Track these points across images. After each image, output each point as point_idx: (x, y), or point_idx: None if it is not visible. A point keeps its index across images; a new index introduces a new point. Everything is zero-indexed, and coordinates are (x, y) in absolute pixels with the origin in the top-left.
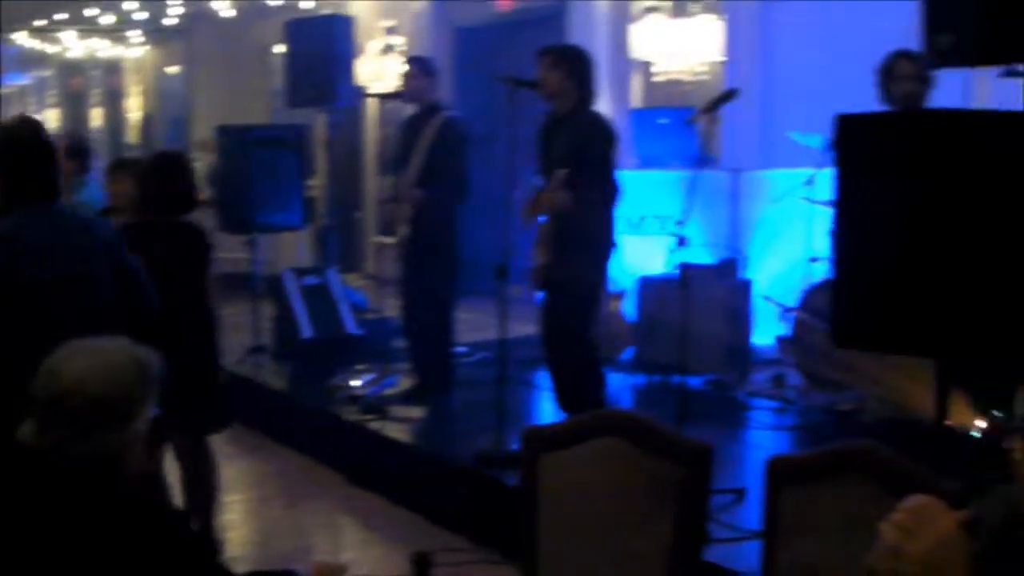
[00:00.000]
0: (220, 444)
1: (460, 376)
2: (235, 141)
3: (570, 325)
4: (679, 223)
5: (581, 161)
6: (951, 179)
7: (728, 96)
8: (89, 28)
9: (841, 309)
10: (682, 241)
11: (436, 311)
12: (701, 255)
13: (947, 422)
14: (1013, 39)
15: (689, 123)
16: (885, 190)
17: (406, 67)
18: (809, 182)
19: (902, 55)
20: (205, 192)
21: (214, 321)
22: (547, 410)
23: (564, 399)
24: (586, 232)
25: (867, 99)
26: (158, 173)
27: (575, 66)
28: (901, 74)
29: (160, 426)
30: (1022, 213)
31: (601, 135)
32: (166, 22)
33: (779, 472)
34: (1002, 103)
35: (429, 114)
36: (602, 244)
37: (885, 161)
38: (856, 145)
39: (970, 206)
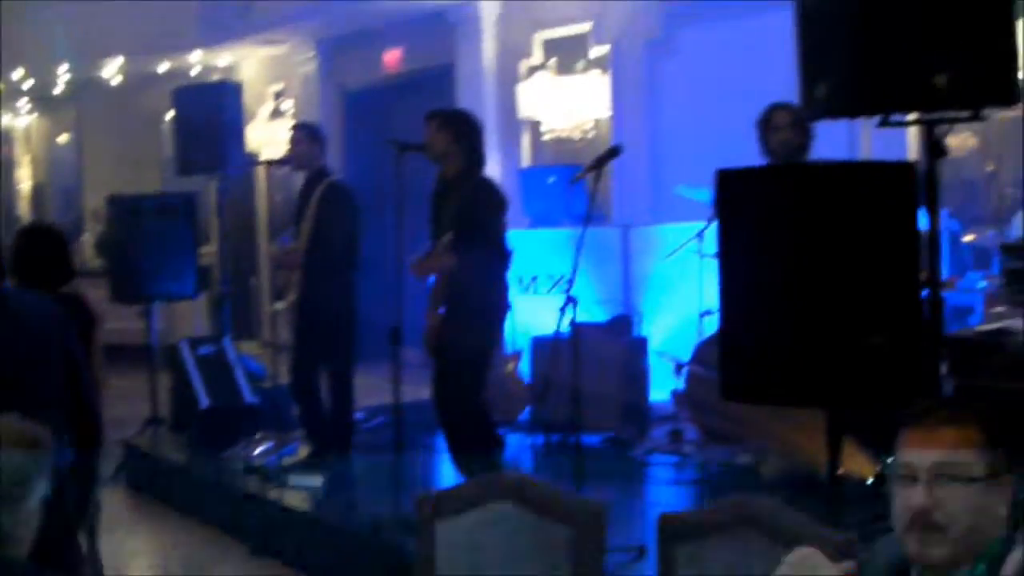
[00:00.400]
0: (121, 517)
1: (359, 441)
2: (125, 210)
3: (461, 388)
4: (569, 281)
5: (469, 226)
6: (827, 231)
7: (612, 153)
8: None
9: (729, 363)
10: (571, 300)
11: (331, 375)
12: (595, 313)
13: (841, 471)
14: (883, 89)
15: (573, 182)
16: (766, 243)
17: (292, 134)
18: (700, 236)
19: (778, 107)
20: (95, 262)
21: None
22: (447, 474)
23: (460, 462)
24: (475, 296)
25: (756, 151)
26: (28, 246)
27: (461, 129)
28: (777, 125)
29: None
30: (896, 262)
31: (489, 200)
32: (55, 91)
33: (670, 529)
34: (885, 151)
35: (316, 180)
36: (492, 307)
37: (764, 214)
38: (736, 199)
39: (847, 256)
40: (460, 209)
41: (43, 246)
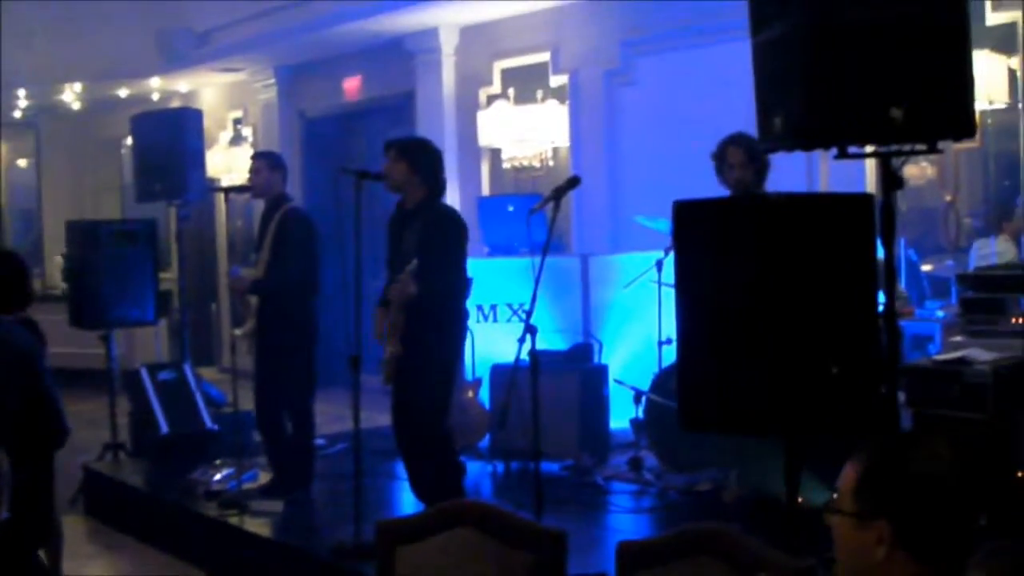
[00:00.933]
0: (80, 543)
1: (319, 468)
2: (85, 236)
3: (424, 414)
4: (528, 310)
5: (432, 254)
6: (784, 262)
7: (572, 184)
8: None
9: (687, 392)
10: (531, 328)
11: (291, 403)
12: (554, 341)
13: (799, 499)
14: (839, 123)
15: (533, 212)
16: (724, 274)
17: (252, 163)
18: (658, 265)
19: (731, 143)
20: (60, 286)
21: None
22: (407, 500)
23: (420, 489)
24: (436, 323)
25: (715, 180)
26: None
27: (418, 159)
28: (731, 163)
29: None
30: (854, 292)
31: (451, 227)
32: (14, 114)
33: (628, 556)
34: (843, 181)
35: (276, 206)
36: (452, 334)
37: (722, 245)
38: (693, 230)
39: (804, 287)
40: (423, 237)
41: (3, 270)
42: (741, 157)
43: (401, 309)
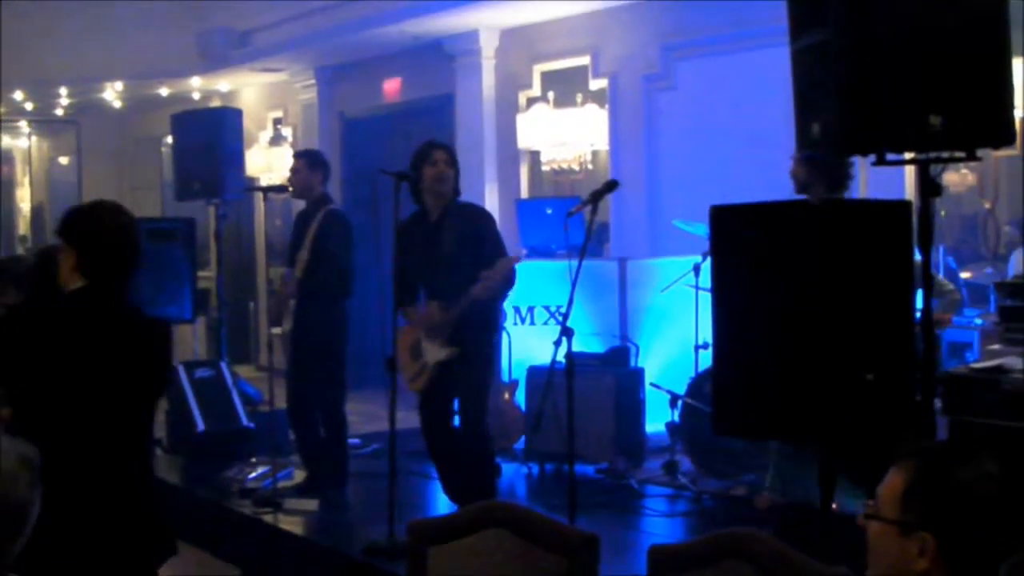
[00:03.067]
0: None
1: (354, 468)
2: None
3: (475, 413)
4: (565, 313)
5: (498, 247)
6: (818, 267)
7: (610, 187)
8: None
9: (722, 397)
10: (568, 331)
11: (325, 403)
12: (591, 344)
13: (834, 506)
14: (877, 129)
15: (571, 214)
16: (759, 279)
17: (293, 162)
18: (695, 270)
19: None
20: None
21: None
22: (442, 501)
23: (454, 490)
24: (490, 321)
25: (753, 185)
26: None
27: (457, 165)
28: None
29: None
30: (890, 299)
31: (493, 222)
32: (56, 112)
33: (659, 561)
34: (884, 187)
35: (316, 207)
36: (493, 333)
37: (756, 251)
38: (730, 235)
39: (841, 293)
40: (470, 233)
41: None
42: (797, 155)
43: (451, 312)
